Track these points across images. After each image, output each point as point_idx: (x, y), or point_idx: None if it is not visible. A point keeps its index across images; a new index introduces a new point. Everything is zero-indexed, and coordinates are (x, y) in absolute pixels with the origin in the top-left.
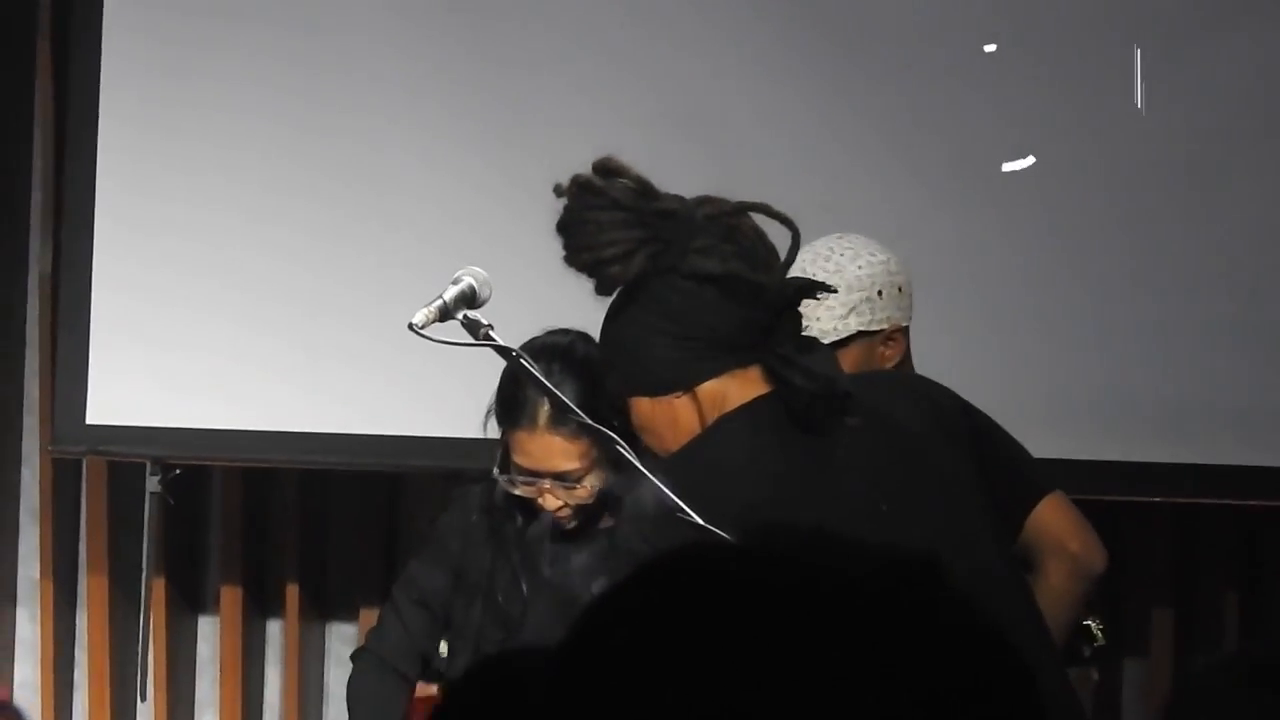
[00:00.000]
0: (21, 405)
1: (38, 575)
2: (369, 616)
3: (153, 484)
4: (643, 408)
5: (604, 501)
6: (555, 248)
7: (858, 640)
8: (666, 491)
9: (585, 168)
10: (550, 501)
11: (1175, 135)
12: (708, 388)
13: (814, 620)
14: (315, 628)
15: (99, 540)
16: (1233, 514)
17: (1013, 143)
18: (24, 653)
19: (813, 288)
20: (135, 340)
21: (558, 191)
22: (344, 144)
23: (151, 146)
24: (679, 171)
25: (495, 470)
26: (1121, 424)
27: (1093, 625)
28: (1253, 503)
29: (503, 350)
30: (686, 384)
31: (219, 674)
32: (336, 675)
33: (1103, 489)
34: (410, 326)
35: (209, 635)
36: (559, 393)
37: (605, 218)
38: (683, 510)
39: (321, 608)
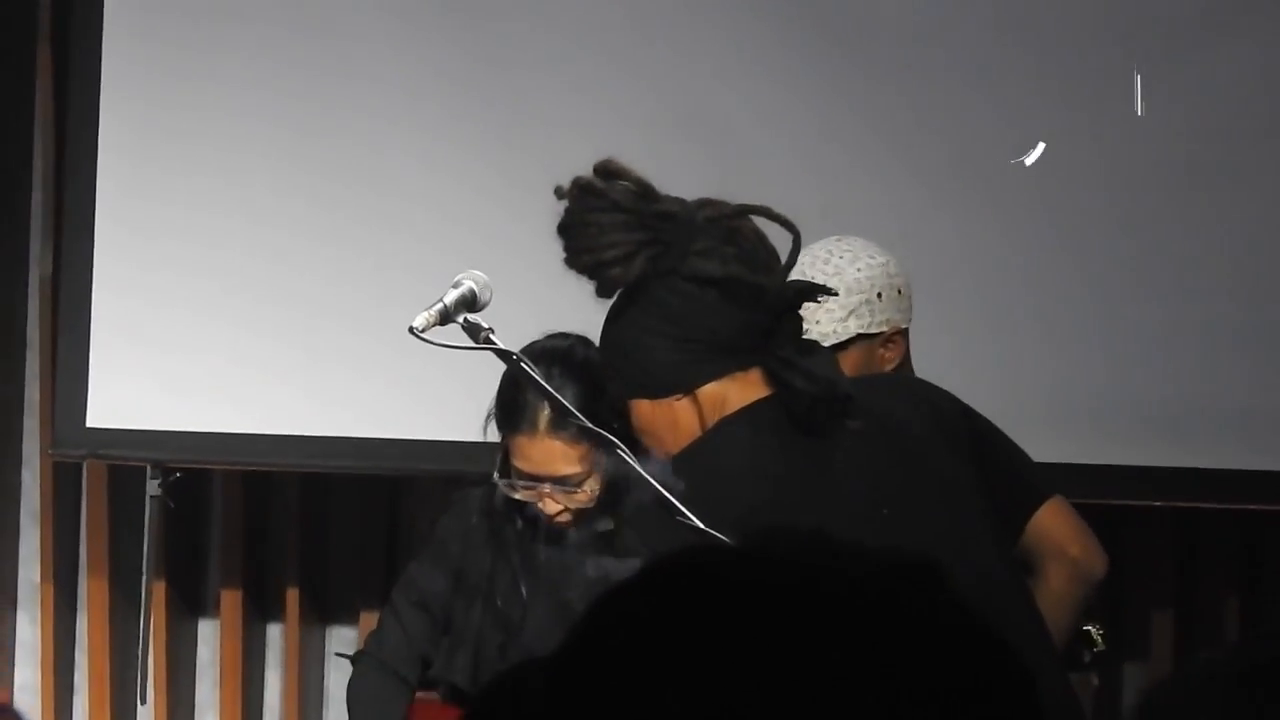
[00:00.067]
0: (22, 408)
1: (38, 578)
2: (369, 620)
3: (153, 487)
4: (643, 410)
5: (604, 505)
6: (555, 250)
7: (858, 643)
8: (666, 495)
9: (586, 170)
10: (550, 505)
11: (1175, 136)
12: (708, 390)
13: (814, 623)
14: (315, 631)
15: (99, 543)
16: (1233, 518)
17: (1013, 143)
18: (24, 655)
19: (813, 290)
20: (136, 343)
21: (558, 194)
22: (344, 146)
23: (152, 148)
24: (679, 174)
25: (495, 474)
26: (1122, 427)
27: (1093, 630)
28: (1253, 507)
29: (503, 354)
30: (687, 387)
31: (219, 677)
32: (337, 679)
33: (1103, 493)
34: (411, 330)
35: (209, 638)
36: (559, 396)
37: (606, 220)
38: (683, 513)
39: (322, 611)
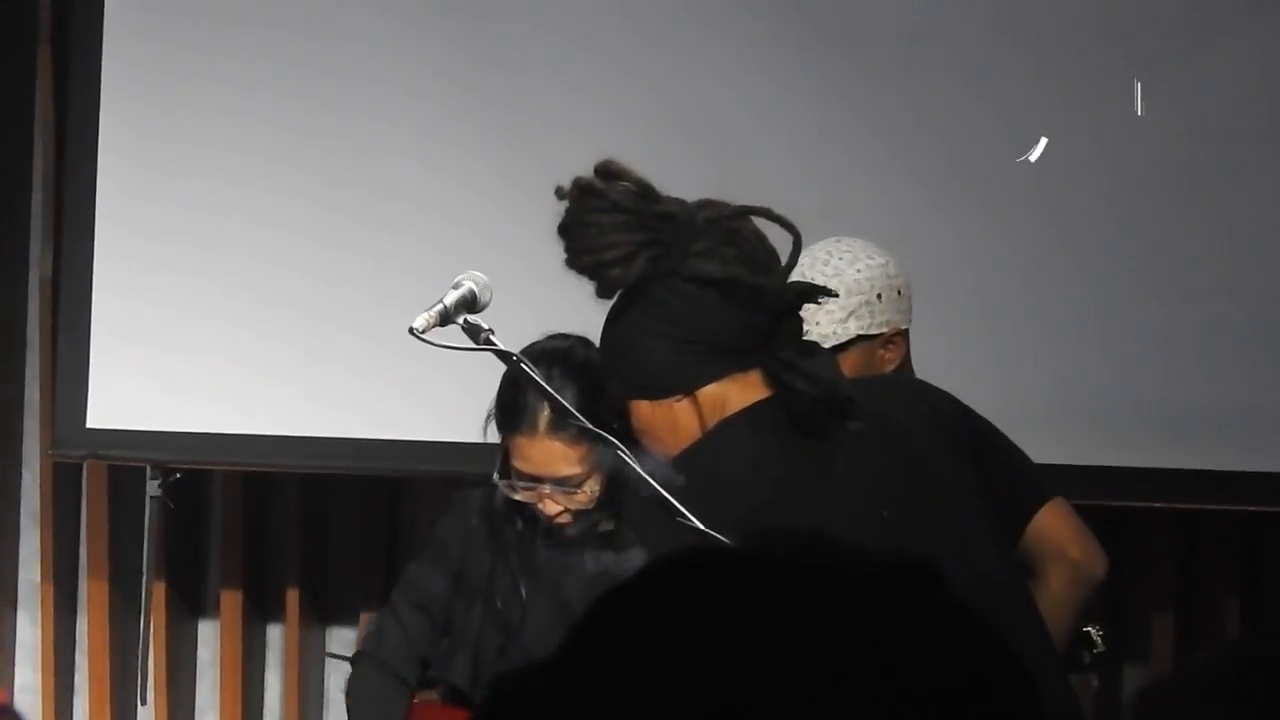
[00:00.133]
0: (22, 409)
1: (38, 579)
2: (369, 621)
3: (153, 488)
4: (643, 411)
5: (604, 506)
6: (556, 251)
7: (858, 644)
8: (666, 496)
9: (586, 170)
10: (550, 506)
11: (1175, 136)
12: (708, 391)
13: (814, 624)
14: (315, 632)
15: (99, 544)
16: (1233, 519)
17: (1013, 143)
18: (24, 656)
19: (813, 292)
20: (136, 344)
21: (559, 194)
22: (345, 147)
23: (152, 149)
24: (679, 174)
25: (495, 475)
26: (1122, 428)
27: (1092, 632)
28: (1254, 508)
29: (503, 355)
30: (687, 388)
31: (219, 678)
32: (336, 680)
33: (1103, 494)
34: (411, 331)
35: (209, 639)
36: (559, 398)
37: (606, 220)
38: (682, 514)
39: (322, 612)
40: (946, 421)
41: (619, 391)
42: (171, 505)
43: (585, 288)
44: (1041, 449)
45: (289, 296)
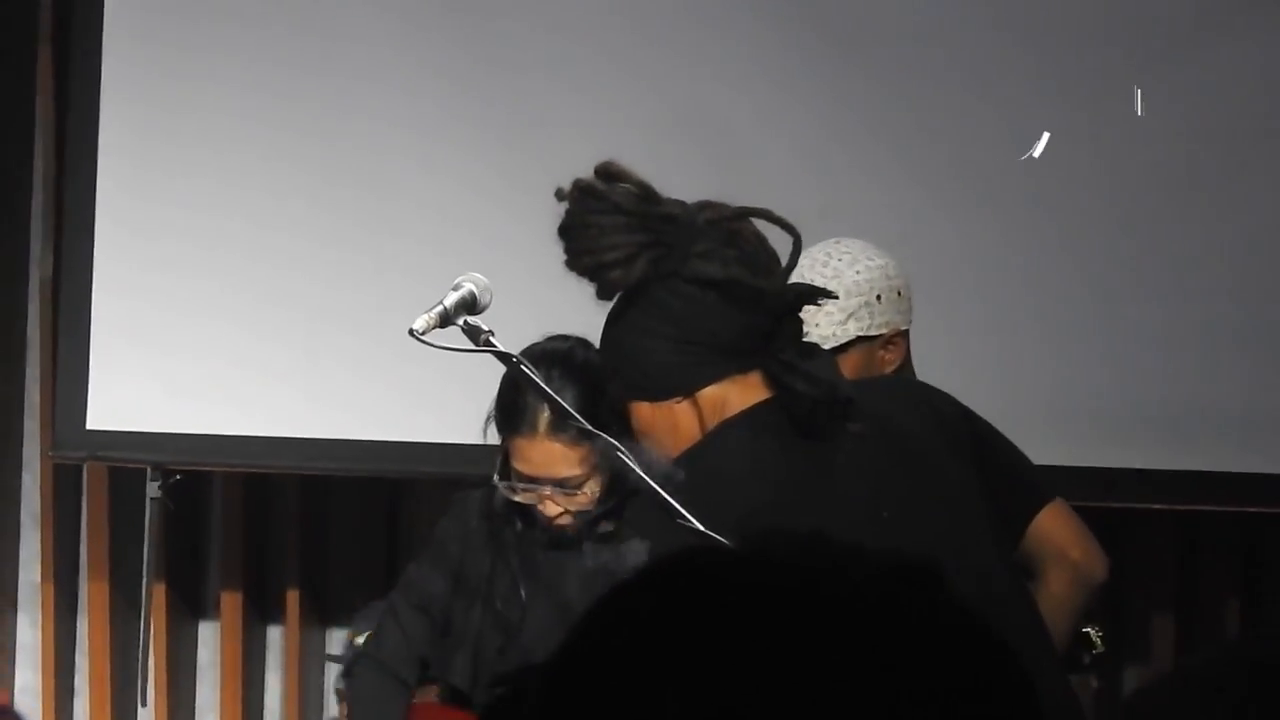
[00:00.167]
0: (22, 410)
1: (39, 580)
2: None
3: (153, 489)
4: (643, 413)
5: (604, 507)
6: (556, 252)
7: (858, 645)
8: (666, 497)
9: (586, 171)
10: (550, 508)
11: (1175, 136)
12: (708, 393)
13: (814, 625)
14: (316, 633)
15: (100, 545)
16: (1234, 520)
17: (1013, 144)
18: (25, 657)
19: (813, 293)
20: (136, 345)
21: (559, 195)
22: (345, 148)
23: (152, 150)
24: (680, 176)
25: (495, 476)
26: (1122, 429)
27: (1092, 633)
28: (1254, 509)
29: (503, 356)
30: (687, 389)
31: (219, 679)
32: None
33: (1103, 495)
34: (411, 332)
35: (209, 640)
36: (559, 399)
37: (606, 222)
38: (682, 516)
39: (322, 613)
40: (947, 423)
41: (619, 393)
42: (171, 506)
43: (585, 289)
44: (1041, 450)
45: (289, 297)
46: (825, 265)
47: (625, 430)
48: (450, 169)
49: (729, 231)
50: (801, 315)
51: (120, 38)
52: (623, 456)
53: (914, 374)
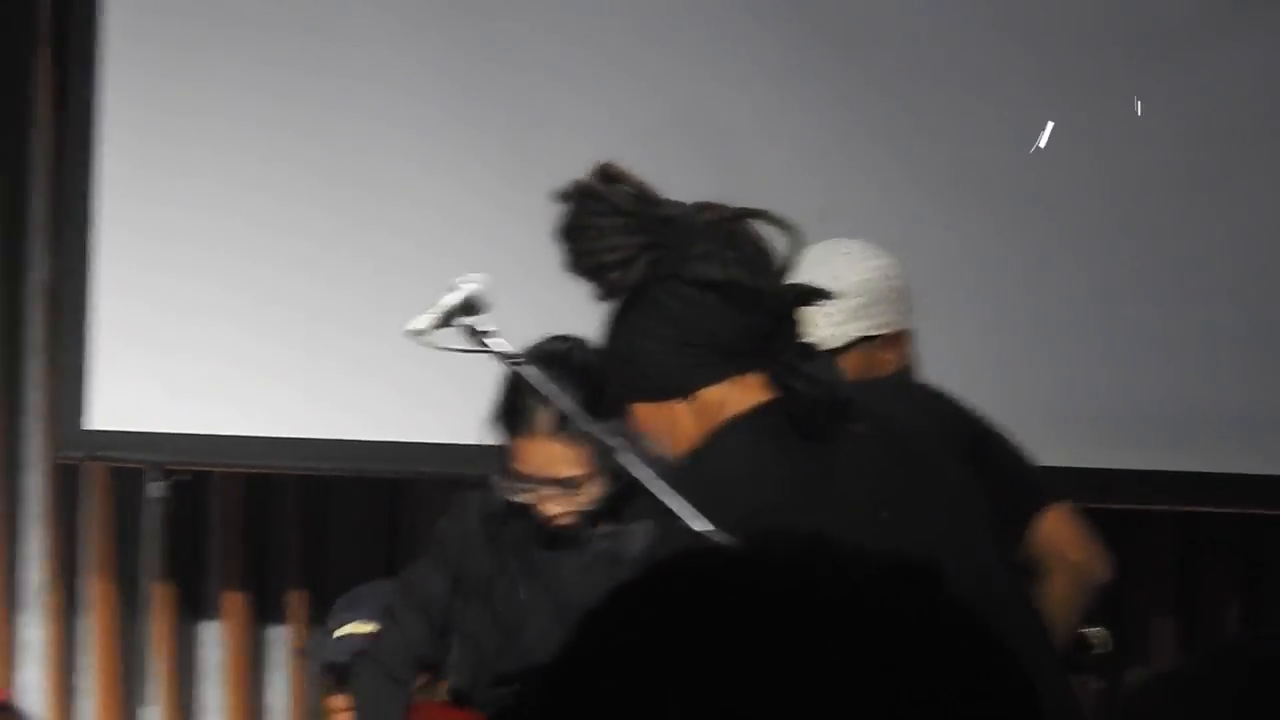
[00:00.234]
0: (25, 411)
1: (42, 580)
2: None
3: (154, 490)
4: (643, 413)
5: (603, 507)
6: (556, 253)
7: (858, 645)
8: (666, 498)
9: (586, 173)
10: (550, 508)
11: (1175, 136)
12: (708, 394)
13: (814, 625)
14: (317, 633)
15: (102, 545)
16: (1234, 521)
17: (1013, 145)
18: (28, 657)
19: (812, 294)
20: (136, 345)
21: (558, 197)
22: (345, 148)
23: (152, 151)
24: (680, 177)
25: (495, 476)
26: (1123, 431)
27: (1094, 634)
28: (1254, 510)
29: (502, 357)
30: (687, 390)
31: (224, 679)
32: None
33: (1104, 496)
34: (410, 333)
35: (213, 640)
36: (559, 400)
37: (606, 223)
38: (682, 516)
39: (324, 613)
40: (947, 423)
41: (619, 394)
42: (172, 507)
43: (585, 289)
44: (1041, 450)
45: (289, 298)
46: (825, 266)
47: (624, 431)
48: (450, 169)
49: (728, 233)
50: (801, 316)
51: (120, 37)
52: (622, 457)
53: (915, 375)
